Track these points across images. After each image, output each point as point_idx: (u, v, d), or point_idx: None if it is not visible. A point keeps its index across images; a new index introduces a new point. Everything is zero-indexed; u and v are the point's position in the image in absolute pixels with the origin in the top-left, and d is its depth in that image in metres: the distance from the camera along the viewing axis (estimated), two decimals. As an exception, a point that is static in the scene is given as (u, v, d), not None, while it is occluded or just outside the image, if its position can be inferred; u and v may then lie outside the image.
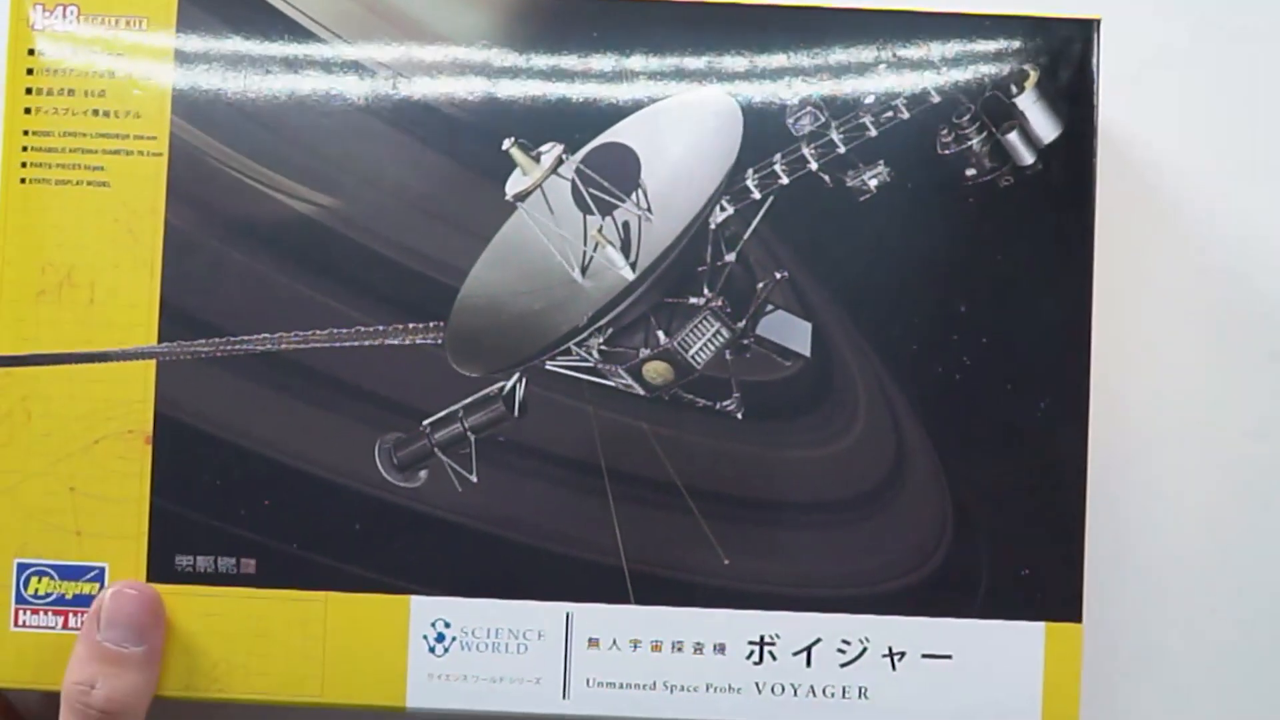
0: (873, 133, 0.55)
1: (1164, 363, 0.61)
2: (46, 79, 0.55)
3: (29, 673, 0.54)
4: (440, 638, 0.55)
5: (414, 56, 0.55)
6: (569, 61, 0.55)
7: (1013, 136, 0.55)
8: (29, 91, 0.55)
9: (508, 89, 0.55)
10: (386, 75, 0.55)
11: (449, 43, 0.55)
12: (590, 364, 0.55)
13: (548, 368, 0.55)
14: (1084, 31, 0.55)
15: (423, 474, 0.55)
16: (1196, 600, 0.60)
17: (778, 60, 0.55)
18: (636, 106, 0.55)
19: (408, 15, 0.55)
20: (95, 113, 0.55)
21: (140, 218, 0.55)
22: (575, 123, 0.55)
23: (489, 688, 0.54)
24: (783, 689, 0.55)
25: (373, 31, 0.55)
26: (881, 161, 0.55)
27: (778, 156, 0.55)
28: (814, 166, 0.55)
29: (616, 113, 0.55)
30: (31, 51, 0.55)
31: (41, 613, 0.55)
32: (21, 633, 0.55)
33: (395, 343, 0.55)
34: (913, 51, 0.55)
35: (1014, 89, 0.55)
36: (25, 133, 0.55)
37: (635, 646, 0.55)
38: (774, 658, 0.55)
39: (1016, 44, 0.55)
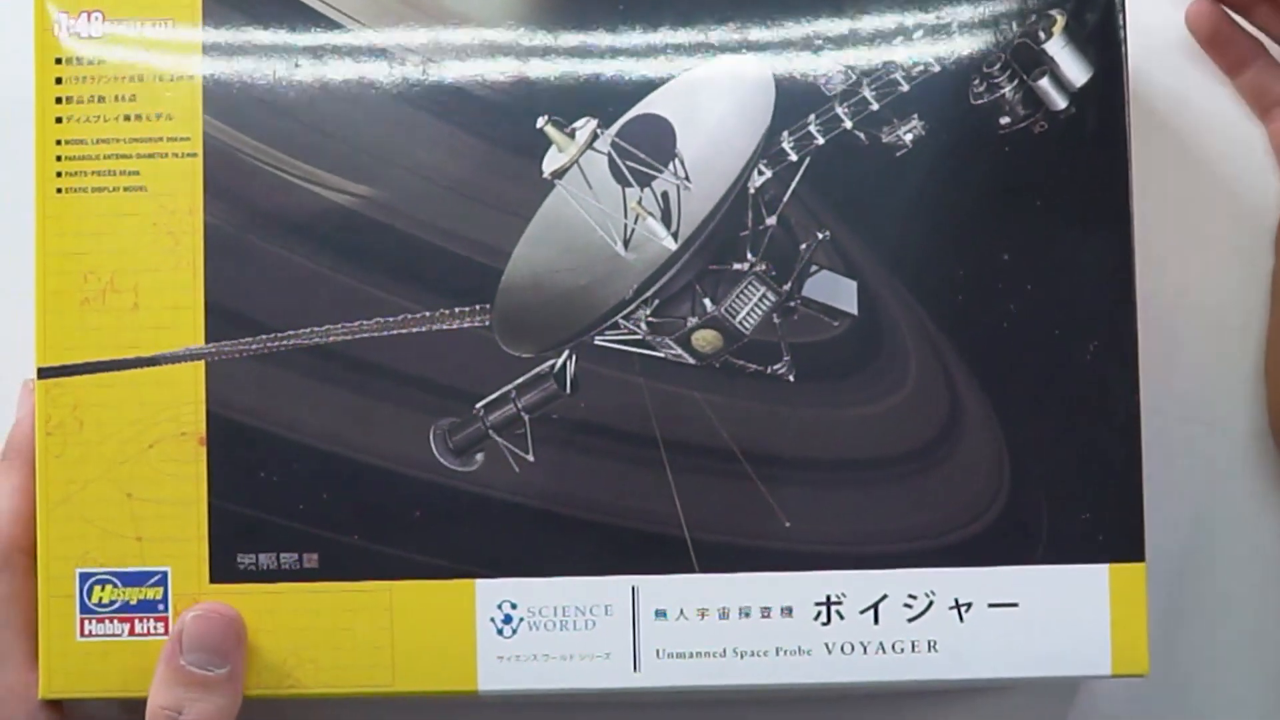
0: (905, 87, 0.55)
1: (1209, 298, 0.61)
2: (75, 87, 0.55)
3: (99, 681, 0.54)
4: (508, 619, 0.55)
5: (442, 40, 0.55)
6: (598, 36, 0.55)
7: (1044, 82, 0.55)
8: (59, 101, 0.55)
9: (538, 67, 0.55)
10: (415, 61, 0.55)
11: (476, 25, 0.55)
12: (639, 336, 0.55)
13: (597, 343, 0.55)
14: (1107, -27, 0.55)
15: (479, 457, 0.55)
16: (1257, 533, 0.61)
17: (806, 21, 0.55)
18: (668, 77, 0.55)
19: (436, 3, 0.55)
20: (127, 117, 0.55)
21: (179, 219, 0.55)
22: (608, 97, 0.55)
23: (559, 665, 0.54)
24: (852, 648, 0.55)
25: (399, 17, 0.55)
26: (915, 115, 0.55)
27: (812, 117, 0.55)
28: (848, 125, 0.55)
29: (648, 84, 0.55)
30: (59, 60, 0.55)
31: (107, 621, 0.54)
32: (89, 642, 0.54)
33: (443, 328, 0.55)
34: (940, 2, 0.55)
35: (1042, 35, 0.55)
36: (58, 142, 0.55)
37: (703, 615, 0.55)
38: (841, 617, 0.55)
39: (1042, -10, 0.55)
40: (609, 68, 0.55)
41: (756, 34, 0.55)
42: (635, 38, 0.55)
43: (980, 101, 0.55)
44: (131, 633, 0.54)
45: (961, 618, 0.55)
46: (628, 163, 0.55)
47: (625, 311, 0.55)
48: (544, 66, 0.55)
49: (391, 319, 0.55)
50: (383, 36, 0.55)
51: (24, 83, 0.55)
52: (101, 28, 0.55)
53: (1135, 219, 0.55)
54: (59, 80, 0.55)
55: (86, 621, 0.54)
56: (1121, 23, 0.55)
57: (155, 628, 0.54)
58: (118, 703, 0.56)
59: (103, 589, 0.54)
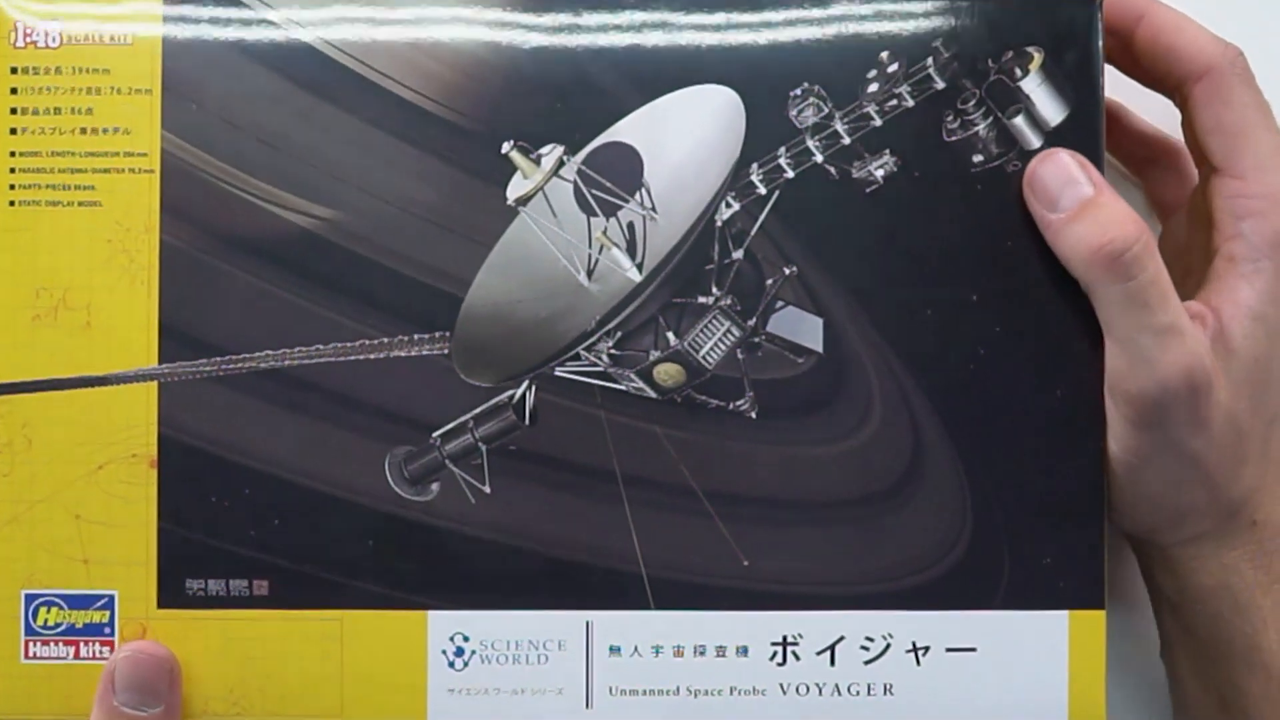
0: (877, 122, 0.54)
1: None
2: (31, 98, 0.54)
3: (43, 704, 0.54)
4: (459, 652, 0.54)
5: (411, 63, 0.54)
6: (565, 62, 0.54)
7: (1019, 120, 0.54)
8: (14, 112, 0.54)
9: (505, 92, 0.54)
10: (381, 82, 0.54)
11: (445, 49, 0.54)
12: (600, 369, 0.54)
13: (557, 374, 0.54)
14: (1087, 11, 0.54)
15: (435, 487, 0.54)
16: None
17: (778, 51, 0.54)
18: (636, 105, 0.54)
19: (402, 23, 0.54)
20: (83, 130, 0.54)
21: (134, 236, 0.54)
22: (575, 124, 0.54)
23: (511, 700, 0.54)
24: (807, 689, 0.54)
25: (365, 39, 0.54)
26: (887, 151, 0.54)
27: (782, 150, 0.54)
28: (819, 158, 0.54)
29: (617, 112, 0.54)
30: (14, 70, 0.54)
31: (52, 643, 0.54)
32: (33, 664, 0.54)
33: (401, 355, 0.54)
34: (915, 37, 0.54)
35: (1018, 72, 0.54)
36: (12, 154, 0.54)
37: (657, 652, 0.54)
38: (797, 658, 0.54)
39: (1020, 27, 0.54)
40: (577, 94, 0.54)
41: (727, 65, 0.54)
42: (603, 65, 0.54)
43: (953, 138, 0.54)
44: (76, 656, 0.54)
45: (919, 661, 0.54)
46: (593, 191, 0.54)
47: (587, 343, 0.54)
48: (510, 91, 0.54)
49: (349, 344, 0.54)
50: (348, 58, 0.54)
51: (-21, 93, 0.54)
52: (59, 39, 0.54)
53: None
54: (14, 90, 0.54)
55: (31, 644, 0.54)
56: (1100, 62, 0.54)
57: (101, 651, 0.54)
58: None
59: (49, 611, 0.54)
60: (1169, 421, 0.51)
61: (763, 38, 0.54)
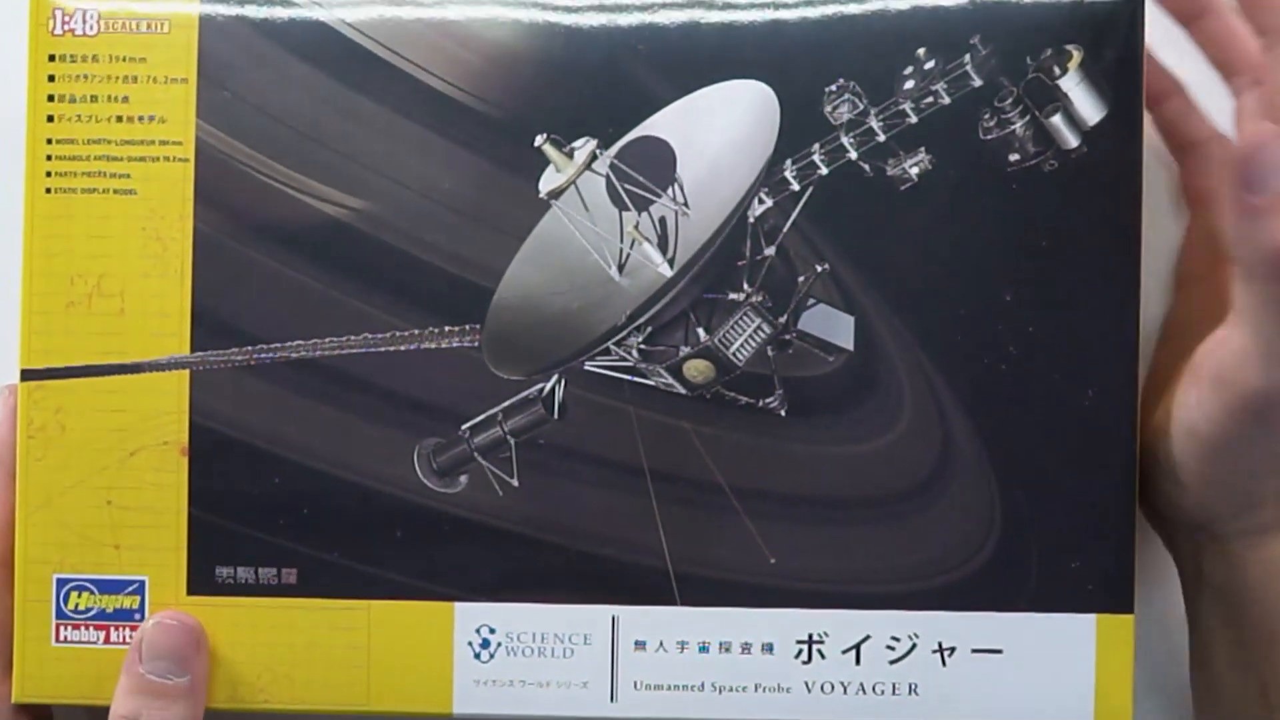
0: (913, 119, 0.54)
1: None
2: (69, 86, 0.54)
3: (72, 687, 0.54)
4: (485, 643, 0.54)
5: (445, 53, 0.54)
6: (600, 55, 0.54)
7: (1056, 119, 0.54)
8: (51, 99, 0.54)
9: (538, 85, 0.54)
10: (415, 73, 0.54)
11: (479, 40, 0.54)
12: (630, 363, 0.54)
13: (587, 368, 0.54)
14: (1129, 9, 0.53)
15: (463, 479, 0.54)
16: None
17: (813, 48, 0.54)
18: (670, 99, 0.54)
19: (435, 13, 0.54)
20: (119, 119, 0.54)
21: (169, 224, 0.54)
22: (608, 117, 0.54)
23: (535, 692, 0.54)
24: (832, 687, 0.54)
25: (399, 30, 0.54)
26: (922, 149, 0.54)
27: (816, 146, 0.54)
28: (853, 155, 0.54)
29: (650, 106, 0.54)
30: (52, 58, 0.54)
31: (83, 627, 0.54)
32: (63, 648, 0.54)
33: (431, 346, 0.54)
34: (952, 34, 0.54)
35: (1057, 70, 0.54)
36: (49, 141, 0.54)
37: (682, 648, 0.54)
38: (823, 656, 0.54)
39: (1059, 24, 0.53)
40: (610, 87, 0.54)
41: (762, 59, 0.54)
42: (639, 58, 0.54)
43: (990, 137, 0.54)
44: (106, 640, 0.54)
45: (944, 662, 0.54)
46: (626, 186, 0.54)
47: (617, 338, 0.54)
48: (544, 84, 0.54)
49: (380, 335, 0.54)
50: (382, 49, 0.54)
51: (17, 81, 0.54)
52: (97, 27, 0.54)
53: (1143, 264, 0.54)
54: (52, 78, 0.54)
55: (62, 627, 0.54)
56: (1140, 62, 0.53)
57: (130, 636, 0.54)
58: (85, 711, 0.55)
59: (79, 595, 0.54)
60: (1271, 420, 0.50)
61: (798, 32, 0.54)
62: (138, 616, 0.54)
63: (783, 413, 0.54)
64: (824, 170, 0.54)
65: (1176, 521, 0.56)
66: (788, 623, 0.54)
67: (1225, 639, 0.56)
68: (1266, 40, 0.49)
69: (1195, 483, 0.53)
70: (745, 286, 0.54)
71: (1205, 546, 0.56)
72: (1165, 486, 0.54)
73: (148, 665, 0.52)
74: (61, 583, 0.54)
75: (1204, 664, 0.57)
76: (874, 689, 0.54)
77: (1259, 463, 0.52)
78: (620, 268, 0.54)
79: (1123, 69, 0.54)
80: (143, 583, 0.54)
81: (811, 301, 0.54)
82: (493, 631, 0.54)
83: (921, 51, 0.54)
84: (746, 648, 0.54)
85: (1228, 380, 0.50)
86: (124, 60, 0.54)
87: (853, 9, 0.54)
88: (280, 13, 0.54)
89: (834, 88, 0.54)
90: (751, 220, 0.54)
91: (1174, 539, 0.57)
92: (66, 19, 0.54)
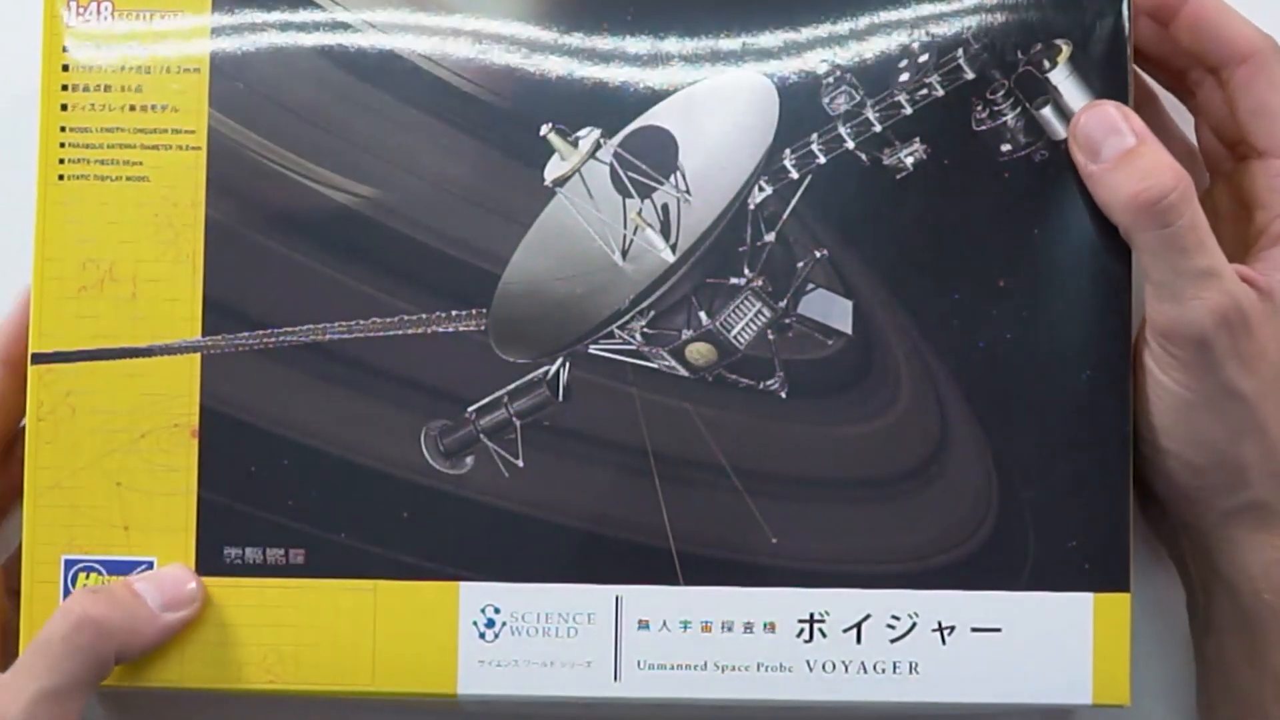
0: (908, 110, 0.55)
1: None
2: (82, 75, 0.55)
3: (79, 669, 0.54)
4: (490, 623, 0.55)
5: (450, 44, 0.55)
6: (605, 45, 0.55)
7: (1046, 111, 0.55)
8: (65, 88, 0.55)
9: (544, 75, 0.55)
10: (422, 63, 0.55)
11: (485, 32, 0.55)
12: (633, 347, 0.55)
13: (591, 351, 0.55)
14: (1115, 5, 0.55)
15: (469, 460, 0.55)
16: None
17: (811, 40, 0.55)
18: (673, 89, 0.55)
19: (444, 4, 0.55)
20: (132, 108, 0.55)
21: (181, 211, 0.55)
22: (612, 107, 0.55)
23: (540, 672, 0.55)
24: (833, 666, 0.55)
25: (409, 21, 0.55)
26: (917, 139, 0.55)
27: (814, 136, 0.55)
28: (851, 145, 0.55)
29: (653, 96, 0.55)
30: (66, 49, 0.55)
31: (91, 608, 0.54)
32: (71, 629, 0.54)
33: (438, 330, 0.55)
34: (945, 28, 0.55)
35: (1047, 64, 0.55)
36: (62, 129, 0.55)
37: (685, 627, 0.55)
38: (824, 635, 0.55)
39: (1048, 18, 0.55)
40: (614, 76, 0.55)
41: (762, 50, 0.55)
42: (642, 49, 0.55)
43: (982, 128, 0.55)
44: (115, 621, 0.54)
45: (944, 641, 0.55)
46: (629, 173, 0.55)
47: (621, 321, 0.55)
48: (550, 74, 0.55)
49: (388, 319, 0.55)
50: (391, 39, 0.55)
51: (31, 69, 0.55)
52: (110, 18, 0.55)
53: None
54: (65, 68, 0.55)
55: (70, 608, 0.54)
56: (1128, 54, 0.55)
57: (138, 617, 0.54)
58: (97, 698, 0.55)
59: (88, 576, 0.55)
60: (1215, 362, 0.52)
61: (797, 25, 0.55)
62: (145, 598, 0.54)
63: (783, 395, 0.55)
64: (822, 159, 0.55)
65: (1177, 515, 0.57)
66: (789, 602, 0.55)
67: (1240, 635, 0.56)
68: None
69: (1177, 449, 0.54)
70: (746, 271, 0.55)
71: (1210, 540, 0.56)
72: (1156, 466, 0.55)
73: (140, 584, 0.53)
74: (70, 564, 0.55)
75: (1218, 663, 0.58)
76: (875, 668, 0.55)
77: (1226, 414, 0.53)
78: (624, 253, 0.55)
79: (1110, 63, 0.55)
80: (151, 563, 0.55)
81: (810, 286, 0.55)
82: (497, 611, 0.55)
83: (916, 45, 0.55)
84: (749, 627, 0.55)
85: (1160, 335, 0.53)
86: (137, 50, 0.55)
87: (850, 3, 0.55)
88: (291, 5, 0.55)
89: (831, 79, 0.55)
90: (752, 207, 0.55)
91: (1178, 539, 0.58)
92: (80, 10, 0.55)
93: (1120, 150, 0.53)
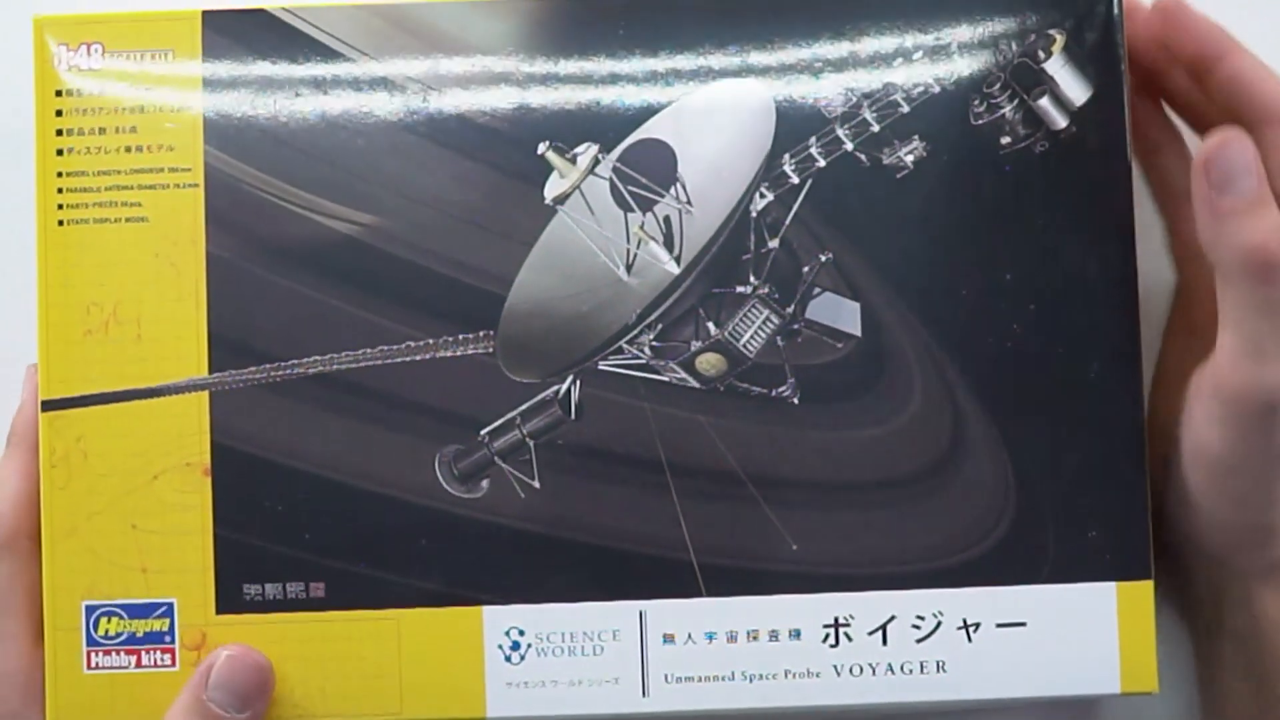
0: (905, 109, 0.55)
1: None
2: (76, 119, 0.55)
3: (106, 713, 0.54)
4: (515, 646, 0.54)
5: (443, 68, 0.55)
6: (598, 62, 0.55)
7: (1044, 102, 0.55)
8: (59, 133, 0.55)
9: (539, 93, 0.55)
10: (417, 89, 0.55)
11: (477, 52, 0.55)
12: (643, 361, 0.55)
13: (601, 368, 0.55)
14: (1106, -8, 0.55)
15: (485, 484, 0.55)
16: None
17: (806, 44, 0.55)
18: (669, 102, 0.55)
19: (434, 28, 0.55)
20: (128, 149, 0.55)
21: (181, 250, 0.55)
22: (609, 122, 0.55)
23: (568, 691, 0.54)
24: (861, 669, 0.55)
25: (399, 47, 0.55)
26: (916, 136, 0.55)
27: (813, 139, 0.55)
28: (849, 146, 0.55)
29: (649, 109, 0.55)
30: (59, 93, 0.55)
31: (114, 653, 0.54)
32: (96, 674, 0.54)
33: (447, 355, 0.55)
34: (939, 23, 0.55)
35: (1041, 54, 0.55)
36: (59, 174, 0.55)
37: (710, 638, 0.55)
38: (850, 639, 0.55)
39: (1041, 10, 0.55)
40: (609, 93, 0.55)
41: (756, 57, 0.55)
42: (635, 63, 0.55)
43: (981, 122, 0.55)
44: (138, 665, 0.54)
45: (970, 638, 0.55)
46: (629, 188, 0.55)
47: (629, 336, 0.55)
48: (545, 93, 0.55)
49: (395, 347, 0.55)
50: (384, 66, 0.55)
51: (25, 115, 0.55)
52: (101, 60, 0.55)
53: (1137, 236, 0.55)
54: (59, 113, 0.55)
55: (93, 654, 0.54)
56: (1121, 41, 0.55)
57: (162, 659, 0.54)
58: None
59: (109, 621, 0.54)
60: (1273, 428, 0.51)
61: (790, 28, 0.55)
62: (168, 639, 0.54)
63: (796, 401, 0.55)
64: (822, 162, 0.55)
65: (1195, 562, 0.57)
66: (813, 607, 0.55)
67: (1245, 691, 0.56)
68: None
69: (1210, 507, 0.54)
70: (752, 279, 0.55)
71: (1226, 589, 0.56)
72: (1181, 516, 0.55)
73: (211, 692, 0.53)
74: (90, 609, 0.54)
75: (1229, 708, 0.57)
76: (902, 668, 0.55)
77: (1270, 480, 0.52)
78: (628, 268, 0.55)
79: (1104, 50, 0.55)
80: (171, 605, 0.54)
81: (817, 290, 0.55)
82: (522, 633, 0.54)
83: (910, 43, 0.55)
84: (774, 635, 0.55)
85: (1224, 386, 0.51)
86: (130, 91, 0.55)
87: (841, 4, 0.55)
88: (282, 37, 0.55)
89: (826, 82, 0.55)
90: (754, 215, 0.55)
91: (1192, 585, 0.58)
92: (71, 54, 0.55)
93: (1252, 195, 0.49)
